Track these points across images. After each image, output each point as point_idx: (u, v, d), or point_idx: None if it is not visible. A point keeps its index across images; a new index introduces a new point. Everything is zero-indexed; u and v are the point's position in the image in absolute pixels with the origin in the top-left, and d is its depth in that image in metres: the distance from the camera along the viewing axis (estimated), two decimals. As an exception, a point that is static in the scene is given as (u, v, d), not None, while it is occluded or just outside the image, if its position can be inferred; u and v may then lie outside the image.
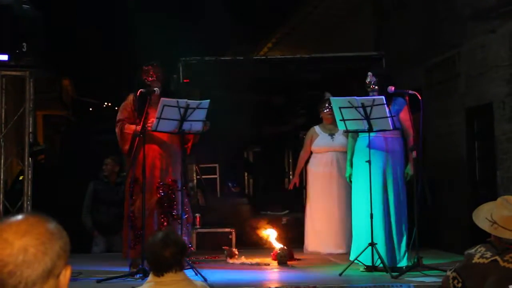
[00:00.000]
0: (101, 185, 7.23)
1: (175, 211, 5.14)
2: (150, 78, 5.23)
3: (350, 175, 5.40)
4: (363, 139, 5.25)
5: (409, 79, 7.82)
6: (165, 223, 5.09)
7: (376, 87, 5.20)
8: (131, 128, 5.17)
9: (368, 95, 5.18)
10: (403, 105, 5.21)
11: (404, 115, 5.19)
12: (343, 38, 10.20)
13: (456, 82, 7.12)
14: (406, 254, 5.13)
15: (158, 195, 5.15)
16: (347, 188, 5.69)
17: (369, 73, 5.27)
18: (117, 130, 5.25)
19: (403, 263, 5.14)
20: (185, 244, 2.87)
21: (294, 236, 6.73)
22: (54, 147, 11.76)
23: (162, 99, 4.93)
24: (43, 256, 1.34)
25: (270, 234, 6.36)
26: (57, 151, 11.50)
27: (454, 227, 6.93)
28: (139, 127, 4.97)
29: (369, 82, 5.25)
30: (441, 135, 7.41)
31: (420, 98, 5.01)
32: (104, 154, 7.64)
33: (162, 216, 5.13)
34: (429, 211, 5.50)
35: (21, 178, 6.70)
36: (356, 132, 5.27)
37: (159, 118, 4.93)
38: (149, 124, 5.04)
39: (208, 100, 5.05)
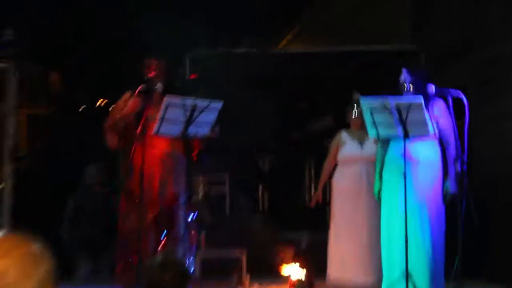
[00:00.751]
0: (83, 196, 7.29)
1: (175, 230, 5.15)
2: (151, 74, 5.26)
3: (380, 191, 5.38)
4: (395, 148, 5.23)
5: (453, 76, 7.78)
6: (163, 244, 5.10)
7: (412, 86, 5.19)
8: (115, 117, 5.19)
9: (402, 96, 5.17)
10: (442, 108, 5.18)
11: (444, 121, 5.16)
12: (375, 28, 10.19)
13: (509, 80, 7.08)
14: (446, 286, 5.10)
15: (156, 211, 5.16)
16: (378, 206, 5.67)
17: (404, 70, 5.27)
18: (104, 125, 5.29)
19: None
20: (187, 268, 2.88)
21: (315, 261, 6.70)
22: (38, 151, 11.85)
23: (166, 96, 4.94)
24: (26, 280, 1.35)
25: (287, 258, 6.35)
26: (42, 155, 11.59)
27: (505, 255, 6.86)
28: (125, 112, 4.99)
29: (403, 80, 5.24)
30: (491, 144, 7.35)
31: (465, 99, 4.98)
32: (96, 158, 7.68)
33: (160, 235, 5.14)
34: (476, 236, 5.46)
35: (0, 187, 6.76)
36: (386, 140, 5.26)
37: (161, 119, 4.94)
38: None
39: (221, 102, 5.06)
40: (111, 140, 5.24)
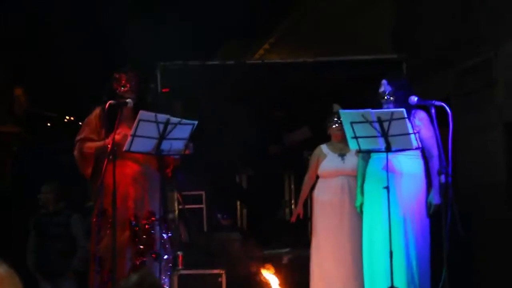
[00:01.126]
0: (41, 217, 7.24)
1: (152, 250, 5.13)
2: (122, 88, 5.24)
3: (361, 205, 5.42)
4: (376, 160, 5.27)
5: (435, 87, 7.86)
6: (138, 264, 5.07)
7: (392, 98, 5.23)
8: (91, 146, 5.17)
9: (382, 108, 5.21)
10: (424, 120, 5.24)
11: (426, 132, 5.22)
12: (355, 38, 10.27)
13: (493, 90, 7.15)
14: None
15: (131, 230, 5.13)
16: (361, 220, 5.69)
17: (383, 81, 5.31)
18: (75, 152, 5.25)
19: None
20: (163, 288, 2.87)
21: (297, 278, 6.71)
22: (3, 171, 11.73)
23: (140, 112, 4.93)
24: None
25: (268, 277, 6.34)
26: (7, 176, 11.46)
27: (491, 269, 6.92)
28: (104, 142, 4.97)
29: (382, 91, 5.29)
30: (474, 155, 7.43)
31: (448, 110, 5.04)
32: (66, 179, 7.63)
33: (136, 256, 5.11)
34: (461, 248, 5.50)
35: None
36: (367, 153, 5.29)
37: (133, 136, 4.92)
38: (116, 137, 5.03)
39: (196, 122, 5.05)
40: (86, 169, 5.20)
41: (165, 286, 5.24)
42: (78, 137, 5.28)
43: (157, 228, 5.17)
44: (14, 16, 10.31)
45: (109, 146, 4.95)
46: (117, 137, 4.98)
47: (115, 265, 4.87)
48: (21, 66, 11.21)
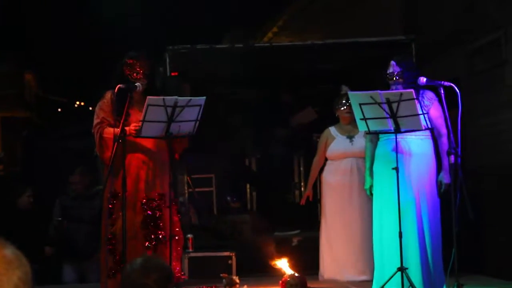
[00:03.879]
0: (69, 201, 7.27)
1: (162, 232, 5.14)
2: (135, 75, 5.23)
3: (371, 187, 5.41)
4: (385, 142, 5.27)
5: (445, 68, 7.81)
6: (151, 247, 5.09)
7: (401, 79, 5.21)
8: (110, 132, 5.18)
9: (390, 89, 5.19)
10: (433, 100, 5.23)
11: (435, 112, 5.21)
12: (363, 20, 10.20)
13: (503, 70, 7.10)
14: (444, 281, 5.13)
15: (144, 213, 5.15)
16: (370, 201, 5.69)
17: (392, 62, 5.29)
18: (95, 136, 5.26)
19: (440, 291, 5.14)
20: (170, 269, 2.87)
21: (307, 260, 6.72)
22: (14, 155, 11.79)
23: (148, 97, 4.94)
24: (-1, 287, 1.34)
25: (278, 258, 6.34)
26: (18, 160, 11.52)
27: (501, 249, 6.90)
28: (118, 130, 4.98)
29: (391, 72, 5.26)
30: (485, 135, 7.39)
31: (458, 90, 5.01)
32: (76, 163, 7.66)
33: (147, 238, 5.12)
34: (471, 229, 5.49)
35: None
36: (375, 134, 5.27)
37: (143, 121, 4.94)
38: (131, 127, 5.05)
39: (204, 98, 5.05)
40: (105, 153, 5.20)
41: (177, 268, 5.27)
42: (96, 121, 5.28)
43: (167, 210, 5.18)
44: (25, 2, 10.30)
45: (118, 130, 4.95)
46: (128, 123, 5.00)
47: (125, 246, 4.89)
48: (31, 52, 11.24)
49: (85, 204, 7.23)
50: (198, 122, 5.10)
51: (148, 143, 5.24)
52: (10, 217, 7.28)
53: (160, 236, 5.14)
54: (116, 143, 4.96)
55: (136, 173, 5.19)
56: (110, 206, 5.15)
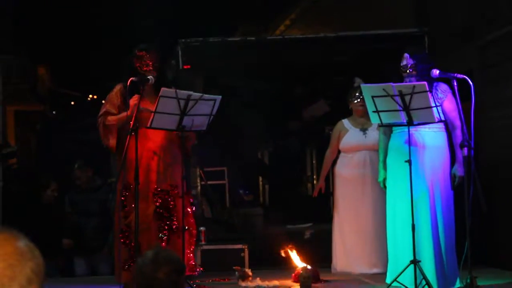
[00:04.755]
0: (76, 195, 7.31)
1: (175, 223, 5.15)
2: (145, 67, 5.23)
3: (384, 180, 5.39)
4: (398, 135, 5.25)
5: (458, 60, 7.76)
6: (165, 239, 5.10)
7: (414, 71, 5.19)
8: (113, 119, 5.19)
9: (403, 81, 5.17)
10: (447, 92, 5.21)
11: (449, 104, 5.19)
12: (376, 12, 10.16)
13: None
14: (458, 273, 5.11)
15: (156, 204, 5.15)
16: (383, 194, 5.67)
17: (405, 55, 5.27)
18: (99, 126, 5.28)
19: (454, 284, 5.11)
20: (181, 262, 2.87)
21: (319, 253, 6.72)
22: (28, 149, 11.84)
23: (162, 89, 4.95)
24: (10, 281, 1.34)
25: (290, 251, 6.34)
26: (32, 153, 11.58)
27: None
28: (126, 114, 4.97)
29: (404, 65, 5.24)
30: (498, 128, 7.34)
31: (471, 83, 4.98)
32: (89, 156, 7.68)
33: (160, 229, 5.13)
34: (485, 221, 5.47)
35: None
36: (388, 127, 5.25)
37: (155, 112, 4.94)
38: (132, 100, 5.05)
39: (220, 96, 5.05)
40: (110, 140, 5.22)
41: (191, 262, 5.27)
42: (100, 113, 5.32)
43: (179, 201, 5.18)
44: (32, 4, 10.30)
45: (132, 118, 4.96)
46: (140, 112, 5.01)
47: (137, 238, 4.89)
48: (45, 45, 11.27)
49: (91, 196, 7.27)
50: (212, 117, 5.10)
51: (158, 136, 5.25)
52: (33, 210, 7.34)
53: (174, 227, 5.15)
54: (128, 136, 4.98)
55: (147, 164, 5.20)
56: (122, 198, 5.17)
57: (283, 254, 6.25)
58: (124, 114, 5.13)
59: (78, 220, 7.29)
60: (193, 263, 5.40)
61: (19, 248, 1.37)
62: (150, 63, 5.24)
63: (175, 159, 5.30)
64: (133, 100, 5.07)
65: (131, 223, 5.08)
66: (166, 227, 5.14)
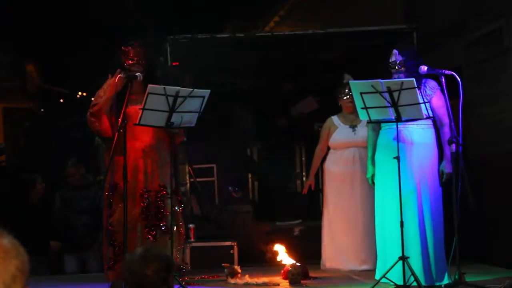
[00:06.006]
0: (68, 192, 7.28)
1: (164, 223, 5.13)
2: (129, 61, 5.22)
3: (373, 176, 5.40)
4: (387, 131, 5.26)
5: (446, 56, 7.78)
6: (151, 238, 5.08)
7: (403, 67, 5.20)
8: (98, 103, 5.14)
9: (392, 77, 5.18)
10: (435, 89, 5.22)
11: (437, 101, 5.19)
12: (365, 9, 10.17)
13: (504, 59, 7.08)
14: (446, 269, 5.13)
15: (142, 204, 5.13)
16: (372, 190, 5.68)
17: (394, 51, 5.27)
18: (87, 119, 5.24)
19: (442, 280, 5.13)
20: (170, 259, 2.86)
21: (308, 249, 6.73)
22: (17, 146, 11.80)
23: (149, 85, 4.92)
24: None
25: (279, 248, 6.35)
26: (20, 151, 11.54)
27: (503, 237, 6.90)
28: (109, 84, 4.92)
29: (393, 61, 5.25)
30: (486, 124, 7.37)
31: (459, 79, 4.99)
32: (78, 153, 7.66)
33: (148, 229, 5.12)
34: (473, 218, 5.48)
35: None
36: (377, 123, 5.26)
37: (143, 109, 4.92)
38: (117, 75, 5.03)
39: (208, 91, 5.03)
40: (100, 124, 5.16)
41: (171, 258, 5.26)
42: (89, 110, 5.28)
43: (168, 201, 5.17)
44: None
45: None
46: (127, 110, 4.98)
47: (125, 238, 4.87)
48: (33, 42, 11.21)
49: (83, 194, 7.25)
50: (199, 114, 5.08)
51: (146, 135, 5.21)
52: (21, 209, 7.30)
53: (163, 228, 5.14)
54: (116, 133, 4.95)
55: (135, 165, 5.16)
56: (109, 197, 5.14)
57: (269, 255, 6.27)
58: (107, 95, 5.09)
59: (69, 217, 7.26)
60: (180, 262, 5.38)
61: (3, 245, 1.36)
62: (136, 58, 5.22)
63: (164, 158, 5.27)
64: (113, 80, 5.05)
65: (114, 222, 5.07)
66: (153, 227, 5.12)
